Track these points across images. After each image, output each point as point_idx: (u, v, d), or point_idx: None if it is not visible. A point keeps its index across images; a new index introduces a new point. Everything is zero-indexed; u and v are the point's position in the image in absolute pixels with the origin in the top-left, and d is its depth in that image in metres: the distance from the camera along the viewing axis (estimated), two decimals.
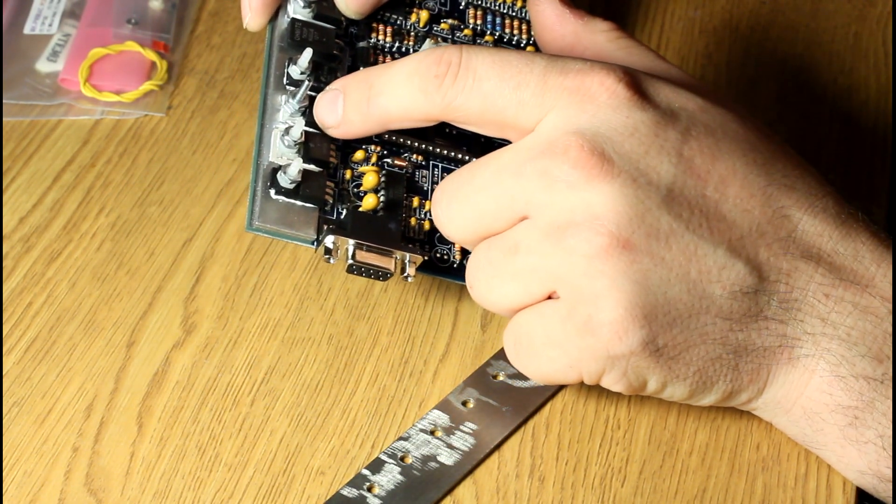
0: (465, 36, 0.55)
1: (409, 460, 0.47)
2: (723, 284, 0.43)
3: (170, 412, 0.49)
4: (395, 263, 0.48)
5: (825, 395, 0.45)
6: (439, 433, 0.48)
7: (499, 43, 0.56)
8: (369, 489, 0.46)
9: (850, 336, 0.44)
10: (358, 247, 0.47)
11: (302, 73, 0.50)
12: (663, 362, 0.43)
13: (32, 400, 0.49)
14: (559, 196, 0.42)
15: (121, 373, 0.50)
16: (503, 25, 0.56)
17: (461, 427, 0.48)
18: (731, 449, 0.48)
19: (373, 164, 0.50)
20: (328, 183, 0.49)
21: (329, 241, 0.47)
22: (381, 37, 0.53)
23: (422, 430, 0.48)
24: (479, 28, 0.55)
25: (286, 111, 0.49)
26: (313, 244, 0.47)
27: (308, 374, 0.50)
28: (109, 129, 0.60)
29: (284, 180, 0.47)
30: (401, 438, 0.48)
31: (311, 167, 0.48)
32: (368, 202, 0.49)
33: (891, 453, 0.44)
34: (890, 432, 0.44)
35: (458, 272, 0.50)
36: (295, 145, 0.48)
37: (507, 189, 0.44)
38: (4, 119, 0.60)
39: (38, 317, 0.52)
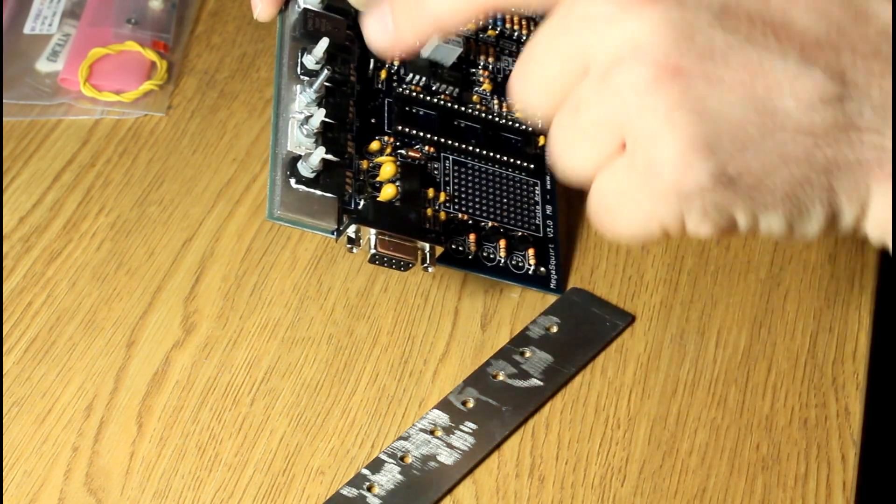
0: (469, 30, 0.55)
1: (408, 460, 0.47)
2: (797, 96, 0.38)
3: (170, 412, 0.49)
4: (417, 254, 0.48)
5: None
6: (439, 433, 0.48)
7: (500, 38, 0.56)
8: (369, 489, 0.46)
9: None
10: (380, 236, 0.47)
11: (317, 63, 0.50)
12: (743, 193, 0.39)
13: (32, 400, 0.49)
14: (602, 36, 0.39)
15: (121, 372, 0.50)
16: (504, 20, 0.56)
17: (461, 427, 0.48)
18: (731, 449, 0.48)
19: (388, 155, 0.50)
20: (347, 173, 0.49)
21: (352, 230, 0.47)
22: None
23: (422, 430, 0.48)
24: (480, 23, 0.56)
25: (302, 100, 0.49)
26: (334, 234, 0.47)
27: (308, 373, 0.50)
28: (109, 129, 0.60)
29: (305, 169, 0.47)
30: (401, 438, 0.48)
31: (331, 157, 0.48)
32: (387, 192, 0.49)
33: None
34: None
35: (473, 264, 0.50)
36: (313, 134, 0.48)
37: (561, 50, 0.40)
38: (4, 119, 0.60)
39: (38, 316, 0.52)
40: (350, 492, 0.46)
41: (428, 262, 0.48)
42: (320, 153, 0.47)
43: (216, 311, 0.52)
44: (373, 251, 0.47)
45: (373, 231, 0.47)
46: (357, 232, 0.47)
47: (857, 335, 0.53)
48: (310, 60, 0.50)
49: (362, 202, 0.48)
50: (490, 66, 0.56)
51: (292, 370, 0.50)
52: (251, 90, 0.62)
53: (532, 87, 0.41)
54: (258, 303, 0.53)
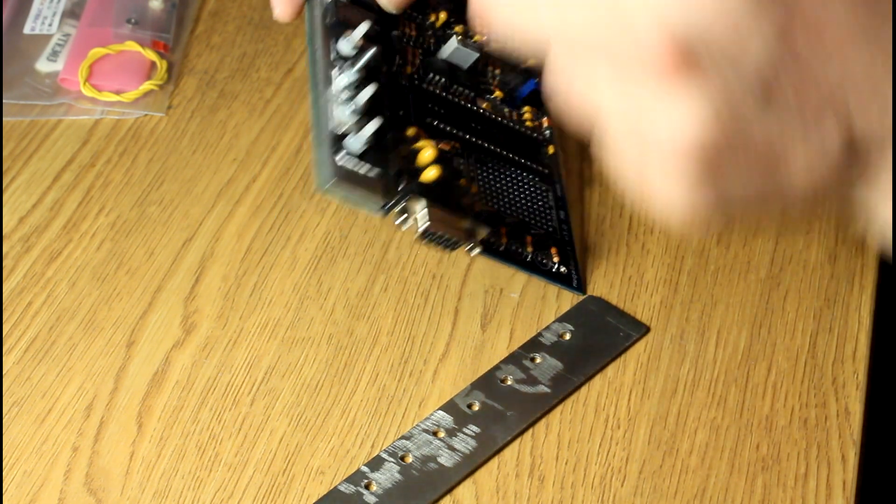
0: (476, 42, 0.56)
1: (409, 459, 0.47)
2: (810, 164, 0.39)
3: (170, 412, 0.49)
4: (463, 234, 0.48)
5: None
6: (442, 434, 0.48)
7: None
8: (367, 486, 0.46)
9: None
10: (432, 213, 0.47)
11: (353, 48, 0.50)
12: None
13: (32, 400, 0.49)
14: (635, 93, 0.38)
15: (121, 372, 0.50)
16: None
17: (464, 429, 0.48)
18: (731, 449, 0.48)
19: (426, 139, 0.51)
20: (391, 153, 0.49)
21: (404, 204, 0.47)
22: (407, 31, 0.54)
23: (424, 431, 0.48)
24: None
25: (342, 81, 0.49)
26: (383, 209, 0.48)
27: (308, 373, 0.50)
28: (109, 129, 0.60)
29: (355, 143, 0.47)
30: (403, 437, 0.48)
31: (379, 127, 0.48)
32: (429, 174, 0.49)
33: None
34: None
35: (506, 256, 0.51)
36: (359, 112, 0.48)
37: (576, 35, 0.39)
38: (4, 119, 0.60)
39: (38, 317, 0.52)
40: (347, 488, 0.46)
41: (472, 244, 0.48)
42: (374, 126, 0.47)
43: (216, 311, 0.52)
44: (426, 225, 0.47)
45: (425, 207, 0.47)
46: (407, 208, 0.47)
47: (857, 335, 0.53)
48: (345, 45, 0.50)
49: (405, 182, 0.49)
50: (497, 78, 0.56)
51: (292, 370, 0.50)
52: (251, 90, 0.62)
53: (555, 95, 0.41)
54: (258, 303, 0.53)
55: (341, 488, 0.46)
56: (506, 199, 0.53)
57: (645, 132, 0.39)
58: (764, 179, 0.40)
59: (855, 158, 0.39)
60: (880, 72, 0.39)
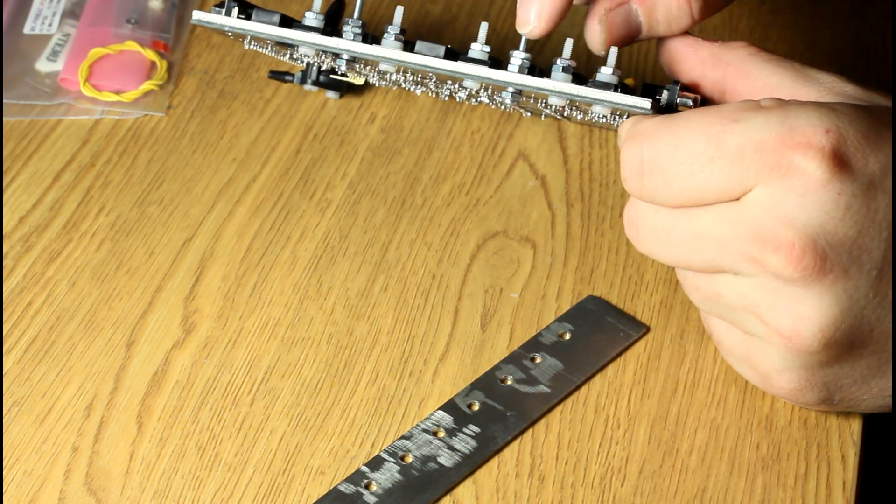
0: None
1: (408, 459, 0.47)
2: None
3: (169, 412, 0.49)
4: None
5: None
6: (442, 434, 0.48)
7: None
8: (367, 486, 0.46)
9: None
10: None
11: None
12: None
13: (32, 399, 0.49)
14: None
15: (120, 372, 0.50)
16: None
17: (464, 429, 0.48)
18: (731, 449, 0.48)
19: None
20: None
21: None
22: None
23: (424, 430, 0.48)
24: None
25: None
26: None
27: (308, 373, 0.50)
28: (109, 129, 0.60)
29: None
30: (403, 437, 0.48)
31: None
32: None
33: None
34: None
35: None
36: None
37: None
38: (4, 119, 0.60)
39: (38, 316, 0.52)
40: (347, 488, 0.46)
41: None
42: None
43: (216, 311, 0.52)
44: None
45: None
46: None
47: None
48: None
49: None
50: None
51: (292, 370, 0.50)
52: (251, 90, 0.62)
53: (662, 254, 0.45)
54: (258, 303, 0.53)
55: (341, 488, 0.46)
56: None
57: (765, 320, 0.43)
58: (872, 371, 0.44)
59: None
60: None
